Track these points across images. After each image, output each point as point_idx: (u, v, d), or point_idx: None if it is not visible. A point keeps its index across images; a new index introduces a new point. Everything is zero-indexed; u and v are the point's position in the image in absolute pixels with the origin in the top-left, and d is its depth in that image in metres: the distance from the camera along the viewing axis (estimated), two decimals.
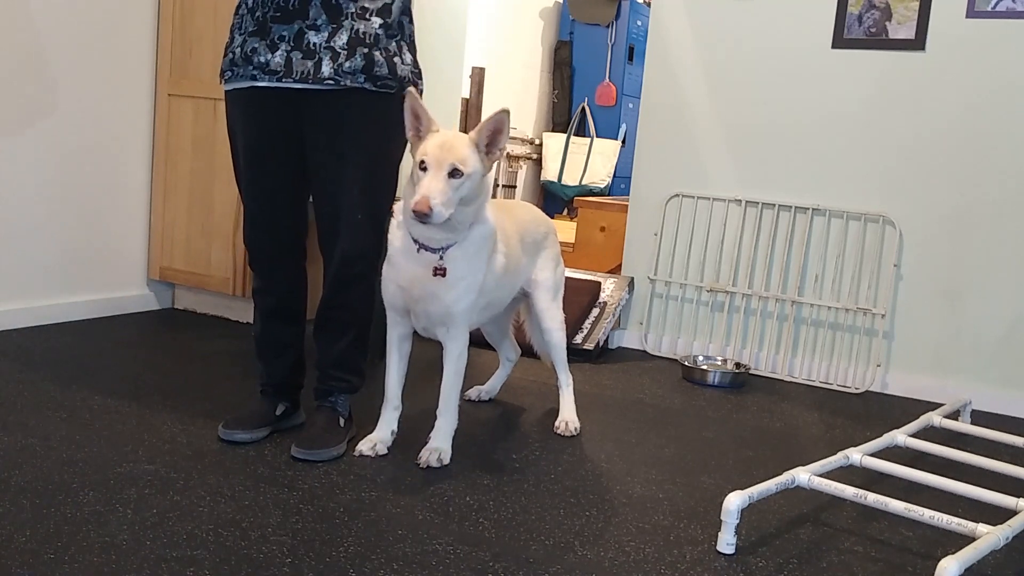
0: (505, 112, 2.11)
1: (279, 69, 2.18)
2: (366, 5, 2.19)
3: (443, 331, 2.30)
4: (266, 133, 2.28)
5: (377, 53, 2.21)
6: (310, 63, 2.17)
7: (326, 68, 2.17)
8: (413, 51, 2.35)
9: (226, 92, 2.32)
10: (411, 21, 2.34)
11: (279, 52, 2.18)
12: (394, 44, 2.26)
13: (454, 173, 2.05)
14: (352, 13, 2.18)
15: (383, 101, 2.24)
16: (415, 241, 2.18)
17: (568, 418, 2.71)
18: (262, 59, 2.19)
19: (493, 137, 2.13)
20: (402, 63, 2.28)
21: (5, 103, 3.22)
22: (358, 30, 2.19)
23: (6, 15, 3.18)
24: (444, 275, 2.18)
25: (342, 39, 2.18)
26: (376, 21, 2.21)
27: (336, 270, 2.31)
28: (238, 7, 2.28)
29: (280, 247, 2.36)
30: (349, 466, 2.26)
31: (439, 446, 2.33)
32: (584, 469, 2.40)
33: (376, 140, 2.27)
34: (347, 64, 2.18)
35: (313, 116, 2.23)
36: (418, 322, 2.32)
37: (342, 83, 2.19)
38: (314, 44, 2.17)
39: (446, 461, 2.31)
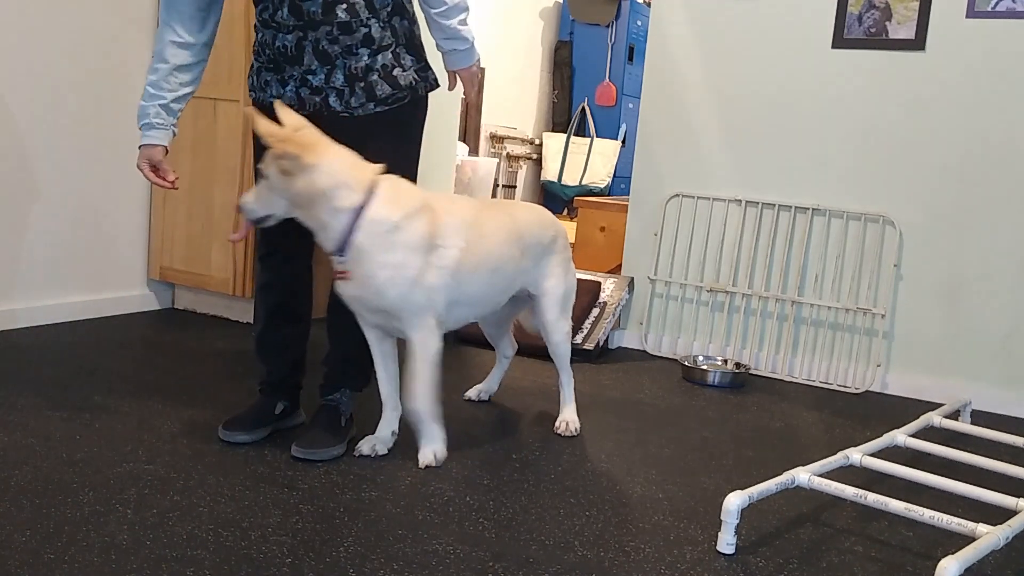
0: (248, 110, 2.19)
1: (292, 103, 2.27)
2: (348, 43, 2.25)
3: (399, 325, 2.27)
4: None
5: (374, 78, 2.28)
6: (318, 98, 2.28)
7: (334, 103, 2.29)
8: (413, 49, 2.36)
9: (253, 101, 2.40)
10: (404, 18, 2.33)
11: (289, 87, 2.30)
12: (390, 56, 2.30)
13: (259, 174, 2.18)
14: (339, 54, 2.26)
15: (392, 113, 2.32)
16: None
17: (568, 418, 2.71)
18: (275, 92, 2.31)
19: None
20: (403, 70, 2.32)
21: (4, 103, 3.22)
22: (350, 66, 2.27)
23: (5, 15, 3.18)
24: (347, 277, 2.19)
25: (339, 79, 2.27)
26: (363, 52, 2.27)
27: None
28: (256, 27, 2.34)
29: (298, 241, 2.38)
30: (349, 466, 2.26)
31: (432, 445, 2.32)
32: (584, 469, 2.41)
33: (392, 147, 2.33)
34: (352, 100, 2.28)
35: (333, 135, 2.26)
36: (373, 319, 2.30)
37: (354, 114, 2.29)
38: (317, 85, 2.28)
39: (442, 458, 2.31)
